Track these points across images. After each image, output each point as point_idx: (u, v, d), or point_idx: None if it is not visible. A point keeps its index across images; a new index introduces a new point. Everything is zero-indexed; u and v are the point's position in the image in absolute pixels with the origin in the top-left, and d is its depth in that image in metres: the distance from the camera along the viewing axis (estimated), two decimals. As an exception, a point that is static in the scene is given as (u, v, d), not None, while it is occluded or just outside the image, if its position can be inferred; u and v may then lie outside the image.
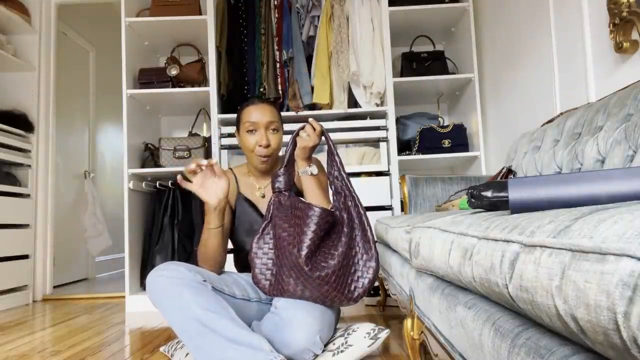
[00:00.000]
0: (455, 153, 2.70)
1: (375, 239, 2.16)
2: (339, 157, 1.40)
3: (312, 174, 1.41)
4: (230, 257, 1.59)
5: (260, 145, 1.45)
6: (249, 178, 1.59)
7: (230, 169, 1.63)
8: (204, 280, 1.25)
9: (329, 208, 1.34)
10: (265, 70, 2.78)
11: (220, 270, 1.46)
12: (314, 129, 1.39)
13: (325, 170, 1.46)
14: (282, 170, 1.37)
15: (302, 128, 1.41)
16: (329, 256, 1.28)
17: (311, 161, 1.44)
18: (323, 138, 1.42)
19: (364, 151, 2.69)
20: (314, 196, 1.40)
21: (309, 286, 1.25)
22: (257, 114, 1.46)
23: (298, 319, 1.22)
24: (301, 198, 1.34)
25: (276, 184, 1.37)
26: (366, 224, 1.34)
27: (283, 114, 2.57)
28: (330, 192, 1.42)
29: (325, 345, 1.32)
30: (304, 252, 1.24)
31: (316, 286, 1.25)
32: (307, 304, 1.27)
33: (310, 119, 1.41)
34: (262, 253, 1.35)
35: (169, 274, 1.22)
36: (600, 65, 1.53)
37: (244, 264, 1.55)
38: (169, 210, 2.78)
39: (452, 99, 3.14)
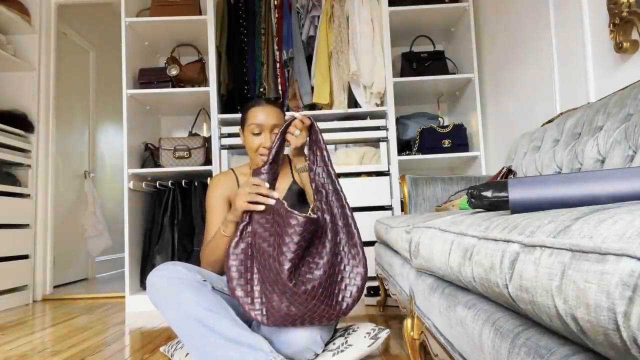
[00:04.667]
0: (455, 153, 2.70)
1: (372, 239, 2.17)
2: (327, 151, 1.30)
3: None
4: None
5: (265, 147, 1.45)
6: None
7: (232, 169, 1.62)
8: (204, 280, 1.25)
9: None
10: (265, 70, 2.78)
11: (221, 270, 1.46)
12: (303, 123, 1.32)
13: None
14: (265, 167, 1.28)
15: (290, 124, 1.32)
16: (313, 266, 1.18)
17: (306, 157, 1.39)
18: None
19: (364, 151, 2.69)
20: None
21: (295, 302, 1.15)
22: (262, 116, 1.45)
23: None
24: (284, 203, 1.20)
25: (264, 177, 1.28)
26: (352, 226, 1.25)
27: (283, 114, 2.57)
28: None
29: (326, 345, 1.32)
30: (286, 267, 1.13)
31: (303, 302, 1.15)
32: None
33: (297, 115, 1.33)
34: (240, 260, 1.23)
35: (169, 274, 1.22)
36: (600, 65, 1.53)
37: None
38: (169, 210, 2.78)
39: (452, 99, 3.14)
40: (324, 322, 1.21)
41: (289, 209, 1.17)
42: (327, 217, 1.24)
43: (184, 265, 1.26)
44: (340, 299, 1.21)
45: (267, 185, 1.26)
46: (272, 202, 1.21)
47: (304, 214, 1.16)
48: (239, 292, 1.21)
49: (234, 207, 1.27)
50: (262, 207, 1.22)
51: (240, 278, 1.22)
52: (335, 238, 1.24)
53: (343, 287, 1.22)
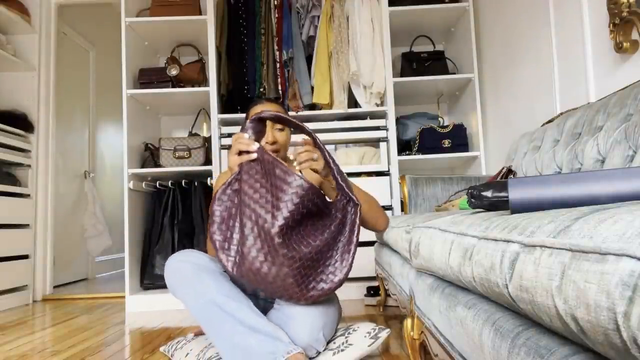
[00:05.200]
0: (455, 153, 2.70)
1: (372, 239, 2.17)
2: (337, 165, 1.27)
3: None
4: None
5: (267, 142, 1.46)
6: None
7: None
8: (224, 271, 1.28)
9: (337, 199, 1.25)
10: (265, 70, 2.78)
11: None
12: (308, 144, 1.30)
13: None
14: (248, 124, 1.25)
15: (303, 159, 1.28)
16: (304, 242, 1.18)
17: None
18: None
19: (364, 151, 2.69)
20: (367, 208, 1.43)
21: (271, 261, 1.14)
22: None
23: (302, 314, 1.23)
24: (267, 152, 1.21)
25: (249, 131, 1.25)
26: (354, 238, 1.24)
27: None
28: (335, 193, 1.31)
29: (326, 344, 1.32)
30: (279, 222, 1.12)
31: (278, 264, 1.14)
32: None
33: (298, 145, 1.30)
34: (225, 207, 1.23)
35: (191, 259, 1.25)
36: (600, 65, 1.53)
37: None
38: (169, 210, 2.78)
39: (452, 99, 3.14)
40: (284, 298, 1.21)
41: (287, 168, 1.17)
42: (339, 216, 1.25)
43: (204, 254, 1.30)
44: (311, 286, 1.19)
45: (247, 136, 1.25)
46: (253, 149, 1.21)
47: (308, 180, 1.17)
48: (218, 236, 1.20)
49: (230, 170, 1.28)
50: (249, 157, 1.21)
51: (222, 223, 1.22)
52: (337, 235, 1.25)
53: (319, 278, 1.21)
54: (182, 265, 1.25)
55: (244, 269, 1.16)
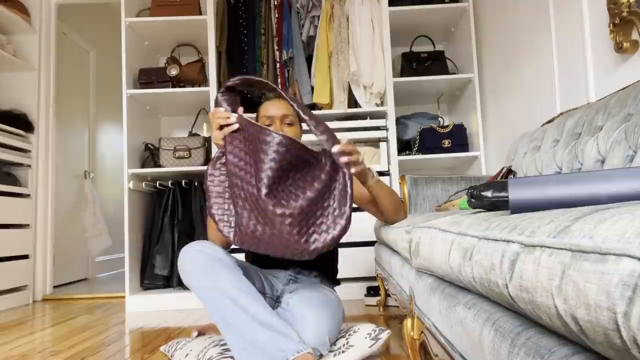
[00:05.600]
0: (455, 153, 2.70)
1: (372, 239, 2.16)
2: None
3: (375, 176, 1.40)
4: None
5: None
6: None
7: None
8: (237, 265, 1.29)
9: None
10: (265, 70, 2.78)
11: (228, 247, 1.48)
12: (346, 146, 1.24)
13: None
14: (219, 96, 1.28)
15: (347, 166, 1.21)
16: (292, 196, 1.17)
17: (369, 170, 1.37)
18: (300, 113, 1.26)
19: (364, 151, 2.69)
20: (391, 200, 1.44)
21: (263, 222, 1.14)
22: (272, 108, 1.49)
23: (310, 317, 1.23)
24: (257, 123, 1.20)
25: (223, 104, 1.26)
26: (348, 185, 1.20)
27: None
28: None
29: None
30: (264, 182, 1.13)
31: (270, 223, 1.13)
32: (319, 303, 1.28)
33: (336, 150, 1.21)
34: (218, 181, 1.26)
35: (208, 251, 1.26)
36: (600, 65, 1.53)
37: (254, 256, 1.57)
38: (169, 210, 2.78)
39: (452, 99, 3.14)
40: (287, 255, 1.18)
41: (264, 127, 1.17)
42: (328, 163, 1.21)
43: (217, 246, 1.31)
44: (312, 239, 1.17)
45: (223, 109, 1.26)
46: (233, 121, 1.22)
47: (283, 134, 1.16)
48: (215, 210, 1.23)
49: (217, 147, 1.29)
50: (230, 128, 1.23)
51: (218, 197, 1.25)
52: (329, 183, 1.21)
53: (319, 230, 1.18)
54: (199, 255, 1.25)
55: (243, 236, 1.18)
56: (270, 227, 1.14)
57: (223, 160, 1.26)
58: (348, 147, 1.21)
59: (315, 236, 1.17)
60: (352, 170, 1.22)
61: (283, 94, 1.26)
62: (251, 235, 1.17)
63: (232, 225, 1.22)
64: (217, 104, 1.28)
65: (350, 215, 1.19)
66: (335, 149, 1.19)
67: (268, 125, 1.47)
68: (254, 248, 1.20)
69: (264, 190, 1.13)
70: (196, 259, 1.25)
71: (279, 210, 1.12)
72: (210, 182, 1.26)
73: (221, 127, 1.24)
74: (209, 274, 1.22)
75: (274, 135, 1.15)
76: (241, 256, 1.66)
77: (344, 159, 1.20)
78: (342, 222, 1.18)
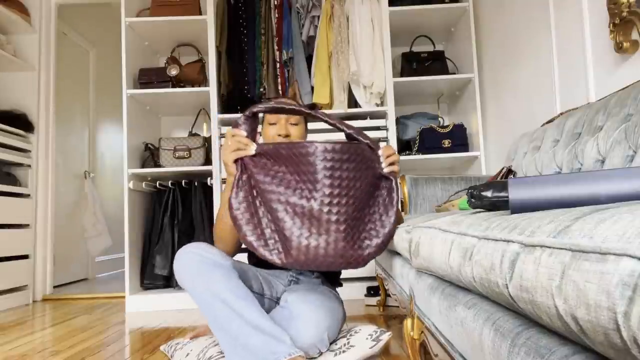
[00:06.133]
0: (455, 153, 2.70)
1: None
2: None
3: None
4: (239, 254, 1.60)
5: (280, 135, 1.47)
6: None
7: None
8: (233, 267, 1.27)
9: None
10: (265, 70, 2.78)
11: (233, 252, 1.46)
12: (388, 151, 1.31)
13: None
14: (241, 119, 1.26)
15: (393, 171, 1.29)
16: (343, 200, 1.15)
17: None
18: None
19: (364, 151, 2.68)
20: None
21: (317, 230, 1.12)
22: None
23: (309, 313, 1.23)
24: (286, 142, 1.21)
25: (242, 127, 1.25)
26: (394, 190, 1.25)
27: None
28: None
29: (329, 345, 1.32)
30: (320, 191, 1.11)
31: (325, 231, 1.12)
32: (317, 300, 1.28)
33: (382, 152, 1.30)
34: (244, 208, 1.22)
35: (202, 252, 1.24)
36: (600, 65, 1.53)
37: (257, 258, 1.56)
38: (169, 210, 2.78)
39: (452, 99, 3.14)
40: (342, 266, 1.18)
41: (281, 143, 1.17)
42: (374, 158, 1.25)
43: (215, 249, 1.29)
44: (364, 243, 1.19)
45: (244, 133, 1.25)
46: (252, 152, 1.21)
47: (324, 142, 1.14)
48: (251, 237, 1.20)
49: (225, 165, 1.28)
50: (247, 152, 1.22)
51: (249, 224, 1.21)
52: (374, 180, 1.23)
53: (369, 233, 1.20)
54: (193, 257, 1.24)
55: (293, 253, 1.14)
56: (326, 236, 1.13)
57: (244, 186, 1.23)
58: (390, 152, 1.30)
59: (367, 242, 1.19)
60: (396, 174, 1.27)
61: (313, 113, 1.26)
62: (305, 250, 1.13)
63: (273, 247, 1.18)
64: (238, 125, 1.27)
65: (395, 219, 1.23)
66: (381, 152, 1.27)
67: (273, 124, 1.48)
68: (307, 265, 1.16)
69: (319, 199, 1.12)
70: (190, 261, 1.24)
71: (333, 217, 1.12)
72: (237, 211, 1.22)
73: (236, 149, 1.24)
74: (202, 276, 1.21)
75: (314, 144, 1.13)
76: (242, 257, 1.66)
77: (392, 167, 1.26)
78: (389, 226, 1.22)
